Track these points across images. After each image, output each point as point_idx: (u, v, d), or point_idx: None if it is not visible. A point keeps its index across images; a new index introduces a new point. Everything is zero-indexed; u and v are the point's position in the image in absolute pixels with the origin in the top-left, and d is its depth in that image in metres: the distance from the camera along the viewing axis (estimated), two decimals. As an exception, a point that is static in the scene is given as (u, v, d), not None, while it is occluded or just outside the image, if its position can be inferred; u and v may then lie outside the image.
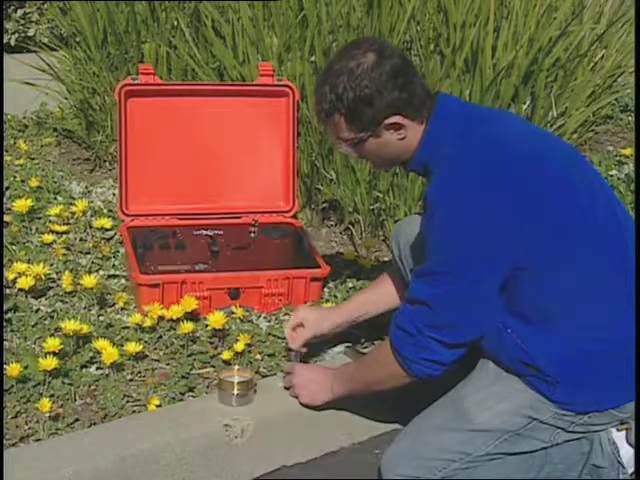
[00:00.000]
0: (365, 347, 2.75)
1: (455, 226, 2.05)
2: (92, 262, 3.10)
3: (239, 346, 2.62)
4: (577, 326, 2.10)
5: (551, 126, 3.96)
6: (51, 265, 3.02)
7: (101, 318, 2.79)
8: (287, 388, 2.48)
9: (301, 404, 2.44)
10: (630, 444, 2.14)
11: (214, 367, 2.60)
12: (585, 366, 2.10)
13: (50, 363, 2.42)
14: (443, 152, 2.13)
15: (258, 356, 2.67)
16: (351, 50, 2.17)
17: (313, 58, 3.67)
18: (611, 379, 2.11)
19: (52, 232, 3.25)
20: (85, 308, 2.84)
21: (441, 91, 2.46)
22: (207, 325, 2.72)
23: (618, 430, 2.15)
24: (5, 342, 2.61)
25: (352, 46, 2.21)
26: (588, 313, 2.10)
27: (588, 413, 2.12)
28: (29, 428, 2.33)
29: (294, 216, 3.23)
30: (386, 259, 3.30)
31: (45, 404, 2.32)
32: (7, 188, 3.59)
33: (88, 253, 3.17)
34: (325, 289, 3.03)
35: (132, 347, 2.57)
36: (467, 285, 2.07)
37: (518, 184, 2.05)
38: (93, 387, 2.49)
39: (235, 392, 2.41)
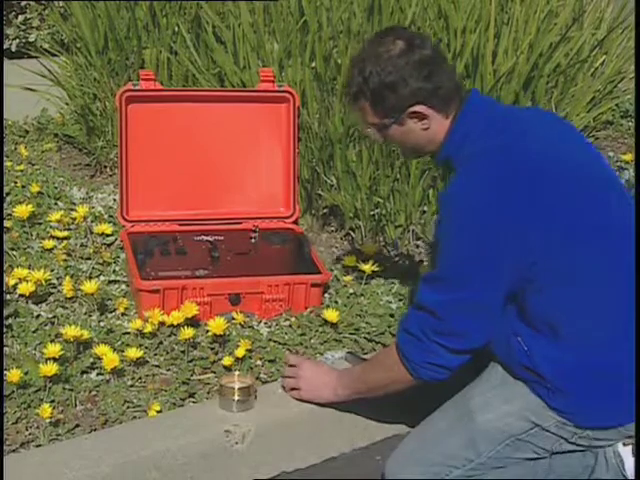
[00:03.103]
0: (366, 353, 2.75)
1: (463, 231, 2.05)
2: (93, 268, 3.10)
3: (240, 352, 2.62)
4: (580, 339, 2.08)
5: (551, 132, 3.96)
6: (52, 271, 3.02)
7: (102, 324, 2.79)
8: (287, 377, 2.46)
9: (300, 399, 2.44)
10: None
11: (215, 373, 2.60)
12: (585, 378, 2.09)
13: (51, 369, 2.42)
14: (466, 151, 2.13)
15: (259, 362, 2.66)
16: (383, 37, 2.19)
17: (314, 64, 3.67)
18: (613, 397, 2.09)
19: (53, 238, 3.24)
20: (86, 314, 2.84)
21: (475, 88, 2.45)
22: (208, 331, 2.71)
23: (625, 445, 2.15)
24: (6, 348, 2.61)
25: (384, 33, 2.23)
26: (591, 328, 2.08)
27: (590, 428, 2.11)
28: (29, 434, 2.33)
29: (295, 222, 3.23)
30: (387, 265, 3.29)
31: (45, 410, 2.32)
32: (8, 194, 3.58)
33: (89, 259, 3.16)
34: (326, 295, 3.02)
35: (133, 353, 2.56)
36: (473, 293, 2.07)
37: (530, 191, 2.04)
38: (94, 393, 2.49)
39: (236, 398, 2.41)
